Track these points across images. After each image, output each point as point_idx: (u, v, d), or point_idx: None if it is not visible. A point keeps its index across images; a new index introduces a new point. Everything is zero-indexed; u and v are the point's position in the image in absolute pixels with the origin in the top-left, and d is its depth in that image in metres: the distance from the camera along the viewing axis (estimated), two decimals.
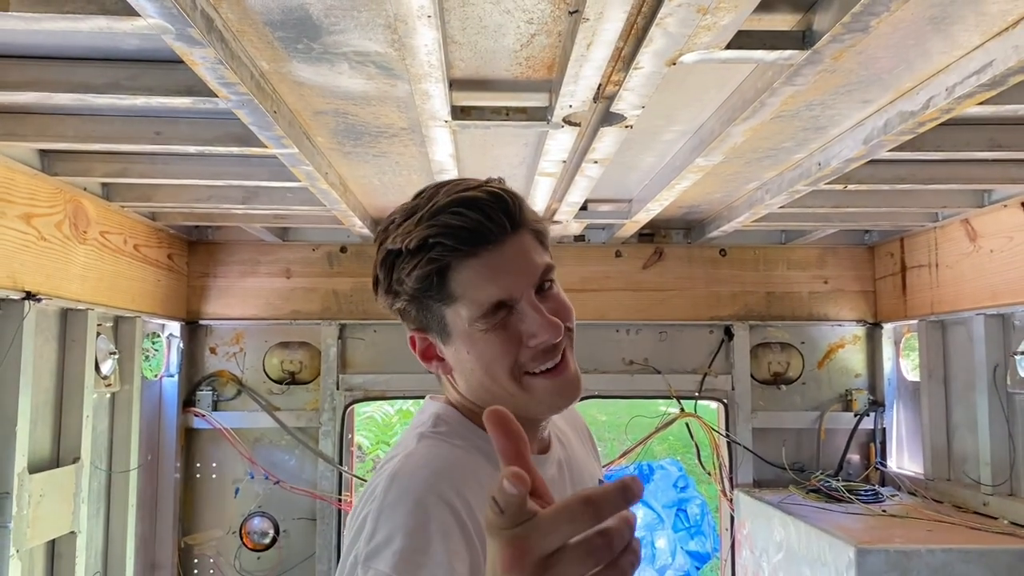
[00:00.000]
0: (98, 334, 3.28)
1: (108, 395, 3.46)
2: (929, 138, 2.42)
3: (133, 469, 3.50)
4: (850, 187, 2.96)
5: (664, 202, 3.15)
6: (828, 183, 2.84)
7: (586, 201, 3.50)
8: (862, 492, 3.83)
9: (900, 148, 2.39)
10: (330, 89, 2.09)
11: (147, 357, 5.93)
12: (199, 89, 1.91)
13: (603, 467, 1.57)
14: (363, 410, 9.77)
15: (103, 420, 3.43)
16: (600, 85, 1.84)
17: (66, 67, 1.94)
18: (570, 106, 1.94)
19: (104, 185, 3.14)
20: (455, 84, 2.00)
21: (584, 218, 3.57)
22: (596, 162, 2.47)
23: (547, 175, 2.63)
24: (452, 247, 1.00)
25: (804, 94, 2.10)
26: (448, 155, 2.41)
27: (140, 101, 1.98)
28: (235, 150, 2.42)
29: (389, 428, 10.43)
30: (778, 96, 1.91)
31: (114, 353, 3.40)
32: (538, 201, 3.16)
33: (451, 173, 2.67)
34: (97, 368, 3.28)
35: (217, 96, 1.88)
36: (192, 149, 2.44)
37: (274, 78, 2.01)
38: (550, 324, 1.03)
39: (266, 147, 2.31)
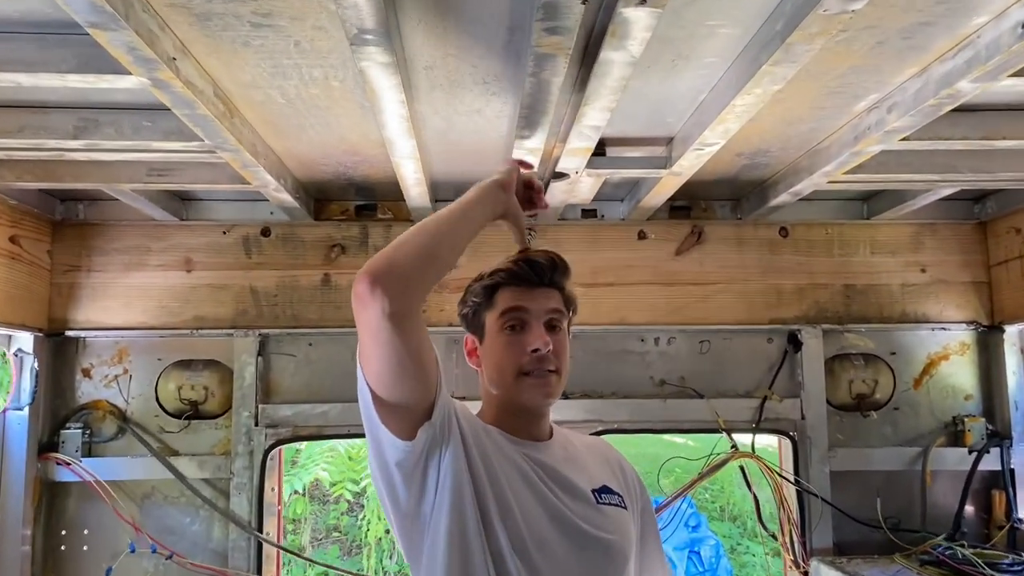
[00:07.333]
0: None
1: None
2: None
3: None
4: None
5: (729, 128, 2.00)
6: (1012, 75, 1.71)
7: (603, 143, 2.38)
8: (1005, 565, 2.66)
9: None
10: None
11: None
12: None
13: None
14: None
15: None
16: None
17: None
18: None
19: None
20: None
21: (602, 168, 2.42)
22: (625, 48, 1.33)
23: (547, 45, 1.47)
24: (504, 279, 1.60)
25: None
26: (370, 13, 1.26)
27: None
28: None
29: (358, 462, 8.18)
30: None
31: None
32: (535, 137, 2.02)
33: (389, 83, 1.52)
34: None
35: None
36: None
37: None
38: (542, 338, 1.54)
39: None
